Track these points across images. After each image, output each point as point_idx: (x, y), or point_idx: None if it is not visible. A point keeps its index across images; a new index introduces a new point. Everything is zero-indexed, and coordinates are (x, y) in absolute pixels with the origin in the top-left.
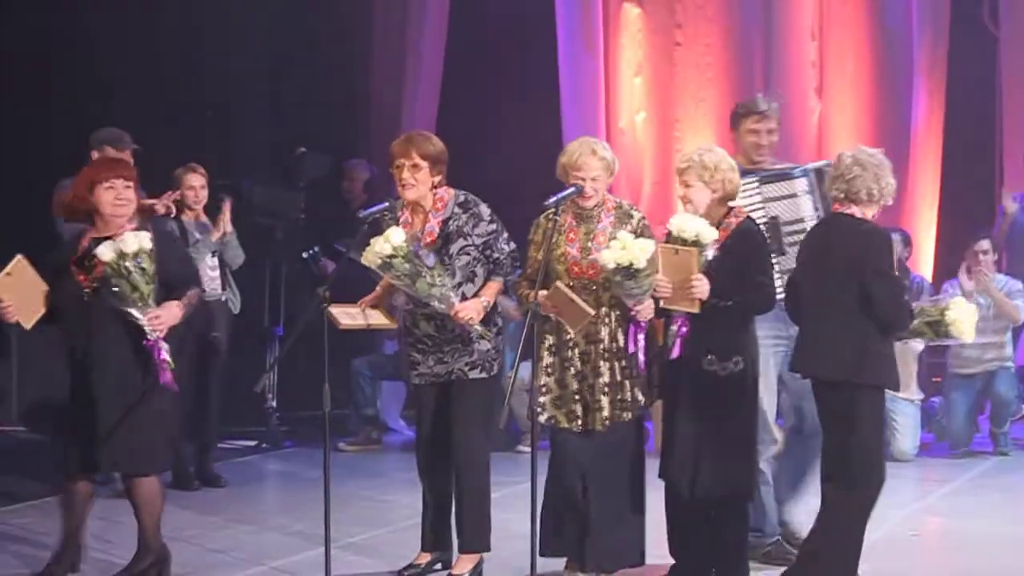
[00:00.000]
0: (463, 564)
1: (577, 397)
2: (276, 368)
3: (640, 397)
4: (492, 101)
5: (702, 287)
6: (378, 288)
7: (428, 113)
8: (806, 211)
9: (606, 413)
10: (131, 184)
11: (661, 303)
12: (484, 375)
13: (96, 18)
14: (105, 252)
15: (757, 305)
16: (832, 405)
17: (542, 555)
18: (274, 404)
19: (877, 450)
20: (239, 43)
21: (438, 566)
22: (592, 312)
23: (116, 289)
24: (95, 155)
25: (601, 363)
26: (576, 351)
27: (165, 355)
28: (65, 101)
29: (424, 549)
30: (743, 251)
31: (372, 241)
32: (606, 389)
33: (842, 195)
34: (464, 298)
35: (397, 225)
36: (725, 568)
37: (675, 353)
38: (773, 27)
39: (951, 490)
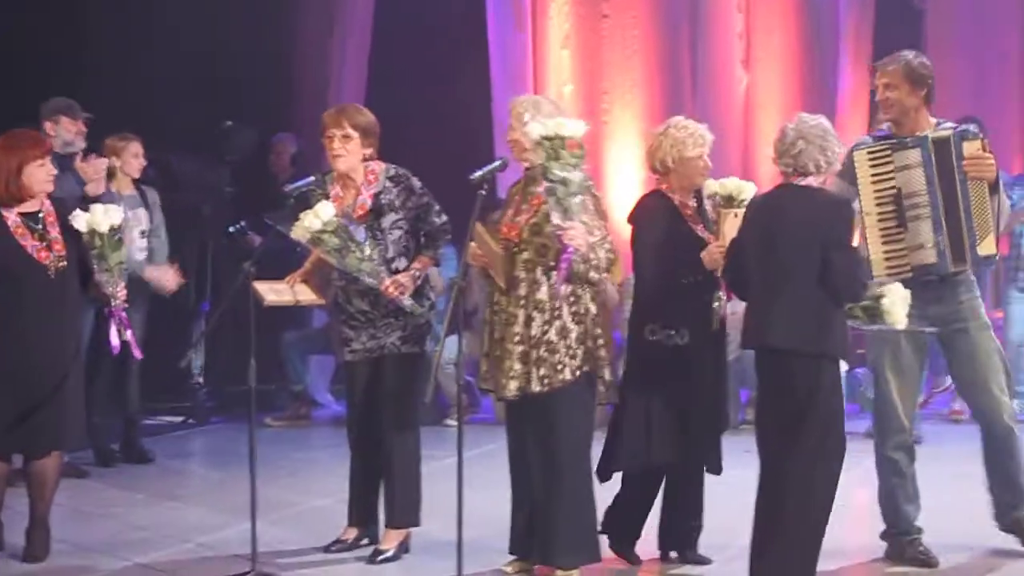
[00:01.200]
0: (390, 539)
1: (497, 355)
2: (202, 343)
3: (576, 359)
4: (421, 76)
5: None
6: (307, 263)
7: (356, 88)
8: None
9: (517, 369)
10: (50, 157)
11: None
12: (416, 349)
13: None
14: (100, 223)
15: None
16: (789, 376)
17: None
18: (200, 380)
19: (842, 421)
20: (167, 17)
21: (365, 541)
22: (499, 249)
23: (103, 259)
24: (48, 126)
25: (519, 312)
26: (498, 315)
27: (127, 322)
28: None
29: (351, 524)
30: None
31: (301, 215)
32: (519, 346)
33: (790, 169)
34: (397, 272)
35: (327, 199)
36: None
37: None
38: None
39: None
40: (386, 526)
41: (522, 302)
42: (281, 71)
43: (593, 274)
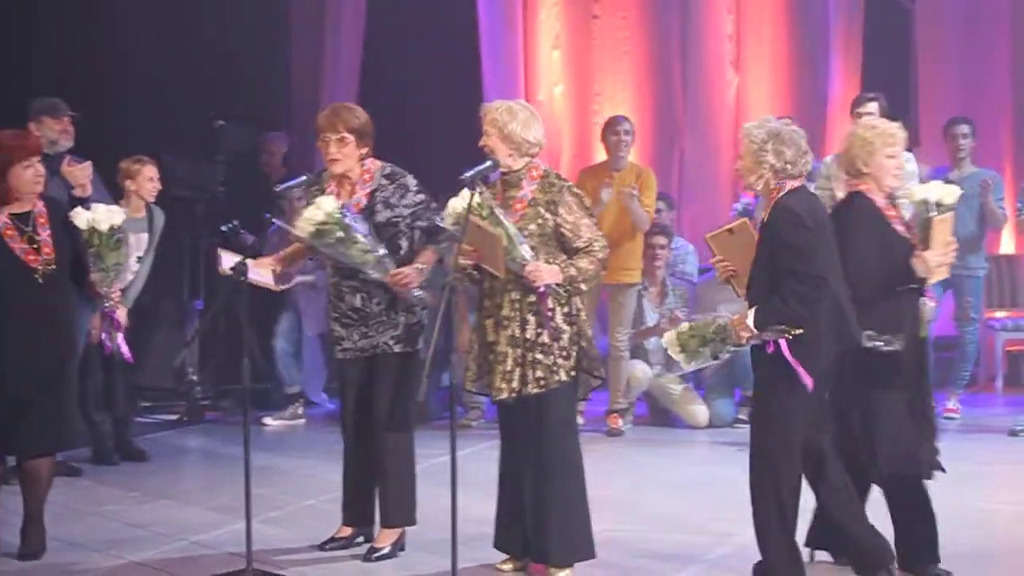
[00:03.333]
0: (385, 538)
1: (490, 358)
2: (196, 342)
3: (570, 359)
4: (413, 75)
5: None
6: (285, 250)
7: (348, 87)
8: None
9: (512, 372)
10: (40, 158)
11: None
12: (408, 349)
13: None
14: (101, 222)
15: None
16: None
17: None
18: (195, 378)
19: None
20: (161, 16)
21: (360, 539)
22: (495, 231)
23: (100, 259)
24: (32, 126)
25: (513, 315)
26: (492, 316)
27: (118, 324)
28: None
29: (346, 522)
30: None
31: (303, 210)
32: (515, 348)
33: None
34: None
35: (322, 193)
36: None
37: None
38: (690, 1)
39: None
40: (381, 524)
41: (516, 305)
42: (275, 70)
43: (582, 286)
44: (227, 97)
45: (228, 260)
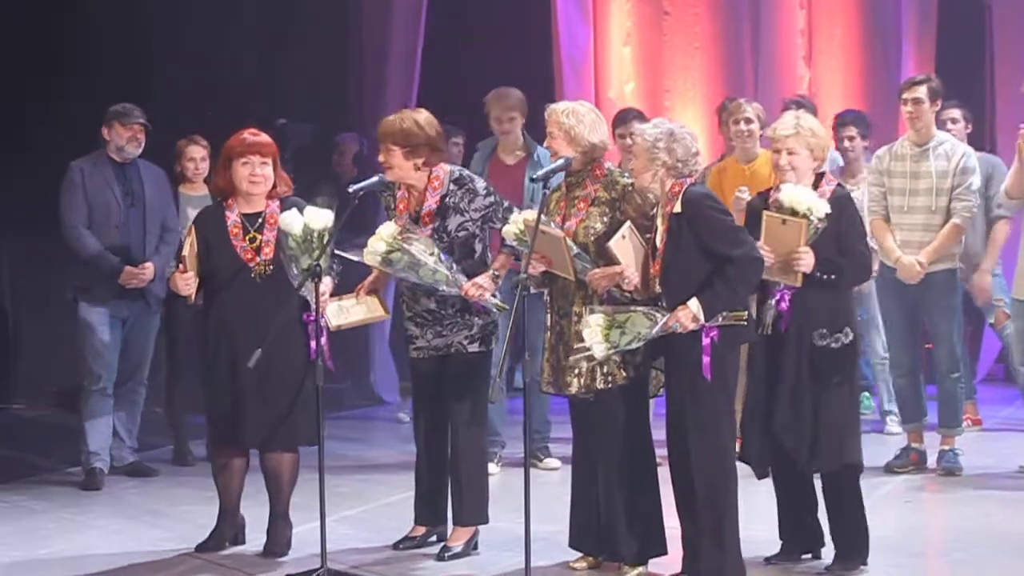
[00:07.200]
0: (459, 536)
1: (562, 356)
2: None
3: (637, 355)
4: (483, 73)
5: (808, 260)
6: (374, 272)
7: (410, 87)
8: None
9: (582, 367)
10: (268, 160)
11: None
12: (483, 348)
13: None
14: (292, 224)
15: (856, 275)
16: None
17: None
18: None
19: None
20: (230, 15)
21: (433, 538)
22: (560, 233)
23: (294, 261)
24: (105, 131)
25: (584, 312)
26: (564, 318)
27: (320, 330)
28: (65, 80)
29: (419, 522)
30: (839, 218)
31: (369, 242)
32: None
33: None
34: (464, 273)
35: (394, 199)
36: (846, 544)
37: (783, 328)
38: None
39: None
40: (454, 523)
41: (586, 302)
42: (345, 67)
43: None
44: (293, 95)
45: (335, 316)
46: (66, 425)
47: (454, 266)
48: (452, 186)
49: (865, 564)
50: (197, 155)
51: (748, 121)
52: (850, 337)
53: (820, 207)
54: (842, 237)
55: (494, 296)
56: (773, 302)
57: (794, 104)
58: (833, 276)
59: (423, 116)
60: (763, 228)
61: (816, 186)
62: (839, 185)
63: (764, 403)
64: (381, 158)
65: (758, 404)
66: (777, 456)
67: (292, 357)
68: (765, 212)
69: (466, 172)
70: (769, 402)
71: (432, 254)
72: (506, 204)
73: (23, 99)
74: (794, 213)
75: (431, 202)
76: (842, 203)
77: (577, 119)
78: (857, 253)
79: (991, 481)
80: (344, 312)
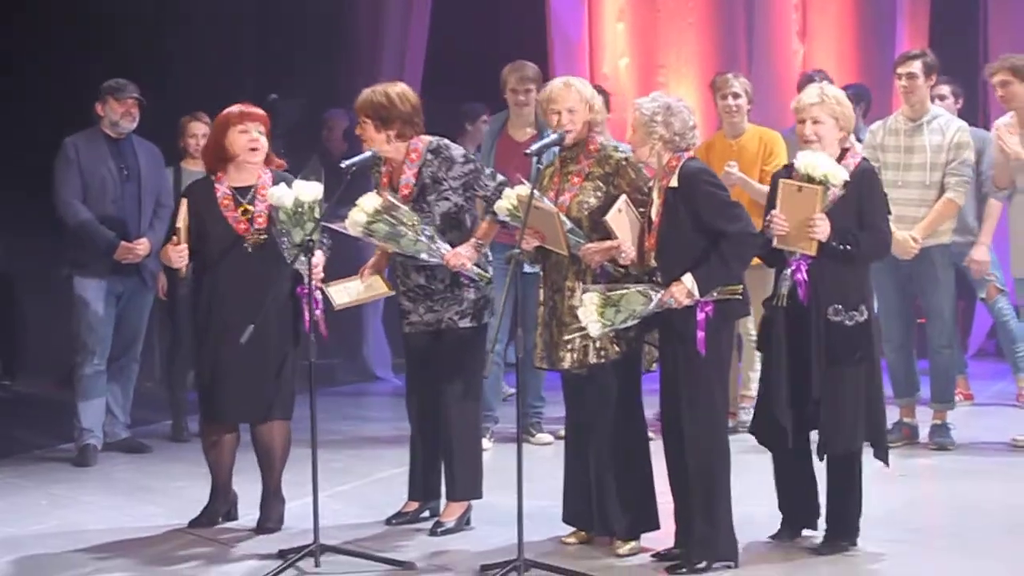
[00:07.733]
0: (452, 511)
1: (555, 331)
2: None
3: (631, 331)
4: (478, 50)
5: (824, 227)
6: (376, 252)
7: (412, 64)
8: None
9: (575, 342)
10: (263, 131)
11: (775, 242)
12: (474, 324)
13: None
14: (284, 198)
15: (874, 250)
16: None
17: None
18: None
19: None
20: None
21: (426, 514)
22: (553, 208)
23: (285, 234)
24: (99, 106)
25: (576, 286)
26: (558, 292)
27: (317, 302)
28: (62, 56)
29: (412, 498)
30: (862, 193)
31: (350, 213)
32: (574, 316)
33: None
34: (452, 245)
35: (381, 173)
36: (839, 522)
37: (802, 298)
38: None
39: None
40: (447, 499)
41: (579, 276)
42: (332, 42)
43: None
44: (284, 70)
45: (339, 295)
46: (60, 402)
47: (436, 236)
48: (429, 155)
49: (855, 544)
50: (199, 131)
51: (735, 96)
52: (865, 315)
53: (838, 173)
54: (864, 213)
55: (484, 268)
56: (789, 272)
57: (817, 76)
58: (849, 247)
59: (397, 89)
60: (779, 195)
61: (840, 160)
62: (864, 159)
63: (777, 377)
64: (357, 130)
65: (773, 378)
66: (782, 432)
67: (282, 330)
68: (781, 180)
69: (444, 141)
70: (780, 376)
71: (412, 225)
72: (488, 171)
73: (23, 72)
74: (810, 180)
75: (409, 174)
76: (867, 177)
77: (592, 95)
78: (877, 228)
79: (983, 455)
80: (347, 292)
